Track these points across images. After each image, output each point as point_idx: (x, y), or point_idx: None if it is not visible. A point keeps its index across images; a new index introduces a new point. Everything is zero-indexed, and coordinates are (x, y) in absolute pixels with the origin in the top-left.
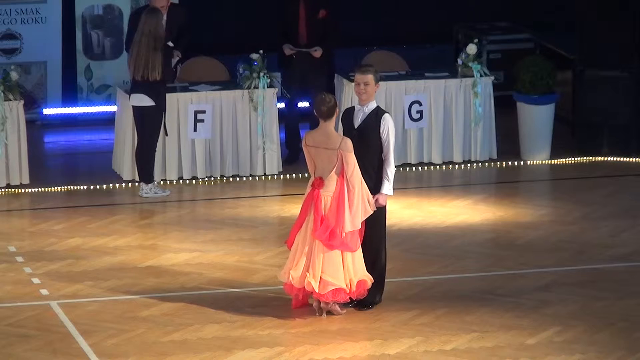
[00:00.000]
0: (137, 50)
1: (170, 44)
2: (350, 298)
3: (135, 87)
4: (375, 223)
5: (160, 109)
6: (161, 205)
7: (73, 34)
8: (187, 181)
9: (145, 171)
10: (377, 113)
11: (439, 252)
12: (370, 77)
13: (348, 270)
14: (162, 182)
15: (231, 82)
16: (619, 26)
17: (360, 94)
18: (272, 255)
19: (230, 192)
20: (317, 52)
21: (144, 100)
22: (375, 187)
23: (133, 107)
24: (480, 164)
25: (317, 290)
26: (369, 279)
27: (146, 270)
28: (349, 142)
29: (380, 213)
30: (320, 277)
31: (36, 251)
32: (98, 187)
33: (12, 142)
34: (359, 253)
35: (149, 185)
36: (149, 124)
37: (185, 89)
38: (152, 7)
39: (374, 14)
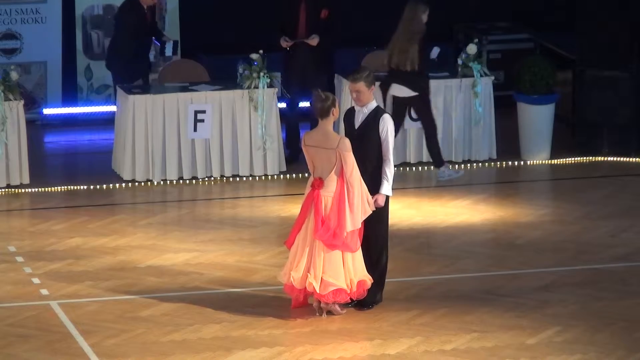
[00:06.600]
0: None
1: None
2: (350, 298)
3: (392, 76)
4: (378, 223)
5: (418, 96)
6: (161, 205)
7: (73, 34)
8: (187, 181)
9: (435, 155)
10: (377, 113)
11: (439, 252)
12: (360, 85)
13: (348, 270)
14: (162, 182)
15: (231, 82)
16: (619, 26)
17: (355, 101)
18: (272, 255)
19: (230, 192)
20: (314, 40)
21: (402, 90)
22: (375, 187)
23: (393, 96)
24: (480, 164)
25: (318, 291)
26: (368, 279)
27: (146, 270)
28: (347, 142)
29: (383, 213)
30: (321, 278)
31: (36, 251)
32: (98, 187)
33: (12, 142)
34: (359, 253)
35: (442, 168)
36: (417, 112)
37: (185, 89)
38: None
39: (374, 14)
